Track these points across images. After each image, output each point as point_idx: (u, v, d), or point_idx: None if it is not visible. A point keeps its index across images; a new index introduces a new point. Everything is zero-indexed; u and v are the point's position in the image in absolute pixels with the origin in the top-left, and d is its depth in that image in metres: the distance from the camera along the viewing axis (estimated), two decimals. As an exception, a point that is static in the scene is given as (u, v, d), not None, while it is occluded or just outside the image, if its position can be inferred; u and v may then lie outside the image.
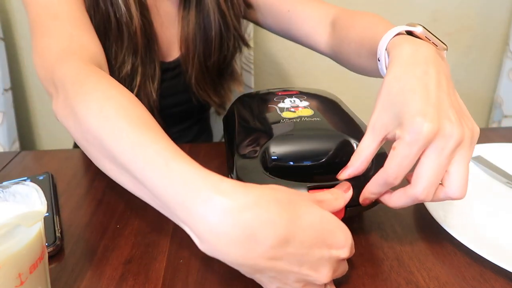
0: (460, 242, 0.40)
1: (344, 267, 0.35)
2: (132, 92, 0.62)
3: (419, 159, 0.34)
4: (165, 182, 0.31)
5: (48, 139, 1.23)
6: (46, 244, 0.39)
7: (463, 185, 0.35)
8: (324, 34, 0.60)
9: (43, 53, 0.47)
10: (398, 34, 0.41)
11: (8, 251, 0.27)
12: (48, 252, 0.39)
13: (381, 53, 0.41)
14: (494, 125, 1.30)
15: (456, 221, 0.42)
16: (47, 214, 0.44)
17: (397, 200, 0.37)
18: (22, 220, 0.27)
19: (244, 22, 0.75)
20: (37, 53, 0.48)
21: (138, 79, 0.63)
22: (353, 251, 0.34)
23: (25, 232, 0.29)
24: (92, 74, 0.41)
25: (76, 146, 0.84)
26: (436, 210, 0.44)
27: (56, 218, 0.44)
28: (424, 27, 0.40)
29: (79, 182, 0.54)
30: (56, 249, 0.40)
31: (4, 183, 0.33)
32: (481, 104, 1.35)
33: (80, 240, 0.43)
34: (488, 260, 0.37)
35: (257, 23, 0.73)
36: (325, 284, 0.33)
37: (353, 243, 0.33)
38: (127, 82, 0.62)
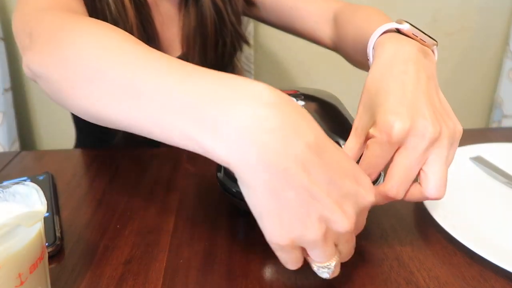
0: (460, 242, 0.40)
1: (364, 219, 0.32)
2: None
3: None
4: (192, 84, 0.28)
5: (48, 139, 1.23)
6: (46, 244, 0.39)
7: (439, 186, 0.35)
8: (327, 30, 0.61)
9: (24, 8, 0.44)
10: (386, 31, 0.41)
11: (8, 251, 0.27)
12: (48, 252, 0.39)
13: (369, 52, 0.42)
14: (494, 125, 1.30)
15: (456, 221, 0.42)
16: (47, 214, 0.44)
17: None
18: (22, 220, 0.27)
19: (244, 21, 0.75)
20: (18, 9, 0.45)
21: None
22: (372, 203, 0.30)
23: (25, 232, 0.29)
24: (81, 18, 0.38)
25: (76, 146, 0.83)
26: (436, 210, 0.44)
27: (56, 218, 0.44)
28: (411, 24, 0.40)
29: (79, 182, 0.54)
30: (56, 249, 0.40)
31: (4, 183, 0.33)
32: (481, 104, 1.34)
33: (80, 240, 0.43)
34: (488, 260, 0.37)
35: (260, 20, 0.73)
36: (344, 238, 0.30)
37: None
38: None
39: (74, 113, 0.37)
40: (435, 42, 0.41)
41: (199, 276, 0.37)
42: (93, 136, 0.78)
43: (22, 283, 0.28)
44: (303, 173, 0.26)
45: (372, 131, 0.35)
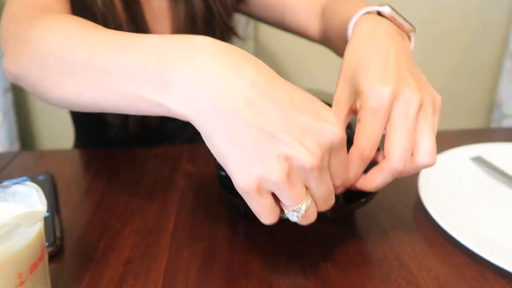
0: (460, 242, 0.40)
1: (342, 162, 0.30)
2: None
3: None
4: (145, 47, 0.30)
5: (48, 139, 1.23)
6: (46, 244, 0.39)
7: (431, 151, 0.34)
8: (316, 23, 0.62)
9: (4, 14, 0.45)
10: (367, 13, 0.42)
11: (8, 251, 0.27)
12: (48, 252, 0.39)
13: (349, 32, 0.43)
14: (494, 125, 1.30)
15: (456, 221, 0.42)
16: (47, 214, 0.44)
17: (374, 179, 0.36)
18: (22, 220, 0.27)
19: (244, 20, 0.75)
20: (2, 15, 0.46)
21: None
22: (343, 139, 0.29)
23: (25, 232, 0.29)
24: (47, 15, 0.39)
25: (75, 146, 0.84)
26: (436, 210, 0.44)
27: (56, 218, 0.44)
28: (392, 8, 0.41)
29: (79, 182, 0.54)
30: (56, 249, 0.40)
31: (4, 183, 0.33)
32: (481, 104, 1.34)
33: (80, 240, 0.43)
34: (488, 260, 0.37)
35: (250, 16, 0.73)
36: (314, 171, 0.28)
37: (345, 135, 0.30)
38: None
39: (61, 107, 0.39)
40: (413, 28, 0.41)
41: (199, 276, 0.37)
42: (91, 132, 0.79)
43: (22, 283, 0.28)
44: (253, 113, 0.27)
45: (359, 102, 0.35)
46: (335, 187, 0.32)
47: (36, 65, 0.37)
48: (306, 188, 0.30)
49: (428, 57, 1.27)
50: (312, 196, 0.30)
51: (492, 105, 1.33)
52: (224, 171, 0.44)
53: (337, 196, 0.34)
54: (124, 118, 0.68)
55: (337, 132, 0.28)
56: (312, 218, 0.31)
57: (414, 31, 0.42)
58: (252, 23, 1.08)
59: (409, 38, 0.43)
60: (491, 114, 1.33)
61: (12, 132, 1.09)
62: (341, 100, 0.38)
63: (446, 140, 0.62)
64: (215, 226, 0.44)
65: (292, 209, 0.30)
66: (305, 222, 0.31)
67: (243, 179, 0.28)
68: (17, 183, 0.33)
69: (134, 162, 0.59)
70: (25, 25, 0.39)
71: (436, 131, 0.36)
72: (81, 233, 0.44)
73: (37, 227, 0.30)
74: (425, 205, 0.45)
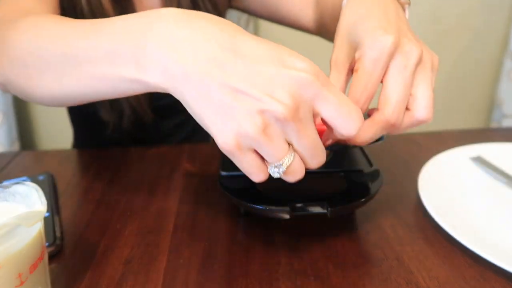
0: (460, 242, 0.40)
1: (332, 104, 0.28)
2: None
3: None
4: (114, 27, 0.31)
5: (48, 139, 1.23)
6: (46, 244, 0.39)
7: (429, 106, 0.34)
8: (311, 13, 0.62)
9: None
10: None
11: (8, 251, 0.27)
12: (48, 252, 0.39)
13: (344, 2, 0.42)
14: (494, 125, 1.30)
15: (456, 221, 0.42)
16: (47, 214, 0.44)
17: (364, 131, 0.34)
18: (22, 220, 0.27)
19: (244, 20, 0.75)
20: None
21: None
22: (314, 81, 0.28)
23: (25, 232, 0.29)
24: (24, 17, 0.40)
25: (74, 146, 0.84)
26: (436, 210, 0.44)
27: (56, 218, 0.44)
28: None
29: (79, 182, 0.54)
30: (56, 249, 0.40)
31: (4, 183, 0.33)
32: (481, 104, 1.35)
33: (80, 240, 0.43)
34: (488, 260, 0.37)
35: (244, 11, 0.73)
36: (289, 120, 0.27)
37: (324, 75, 0.28)
38: None
39: (50, 104, 0.40)
40: (407, 1, 0.41)
41: (199, 276, 0.37)
42: (88, 131, 0.79)
43: (22, 283, 0.28)
44: (221, 73, 0.27)
45: (358, 53, 0.34)
46: (327, 137, 0.32)
47: (18, 67, 0.37)
48: (290, 144, 0.29)
49: (428, 57, 1.27)
50: (296, 151, 0.30)
51: (492, 105, 1.33)
52: (224, 171, 0.44)
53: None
54: (119, 116, 0.68)
55: (305, 76, 0.27)
56: (297, 174, 0.30)
57: (409, 4, 0.41)
58: (252, 23, 1.08)
59: (404, 10, 0.41)
60: (491, 114, 1.33)
61: (12, 132, 1.09)
62: (339, 60, 0.37)
63: (446, 140, 0.62)
64: (215, 226, 0.44)
65: (274, 165, 0.29)
66: (289, 178, 0.30)
67: (223, 139, 0.28)
68: (17, 183, 0.33)
69: (134, 162, 0.59)
70: (3, 31, 0.39)
71: (433, 86, 0.35)
72: (81, 233, 0.44)
73: (37, 227, 0.30)
74: (425, 205, 0.45)
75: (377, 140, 0.39)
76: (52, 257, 0.40)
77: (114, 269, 0.38)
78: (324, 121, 0.30)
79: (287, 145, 0.29)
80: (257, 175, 0.30)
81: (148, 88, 0.30)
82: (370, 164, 0.45)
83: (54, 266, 0.39)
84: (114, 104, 0.67)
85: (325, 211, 0.38)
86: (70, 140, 0.85)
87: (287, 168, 0.29)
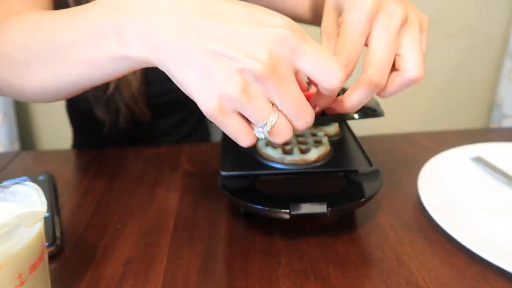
0: (460, 242, 0.40)
1: (313, 58, 0.28)
2: (109, 82, 0.62)
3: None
4: (95, 8, 0.32)
5: (48, 139, 1.23)
6: (46, 244, 0.39)
7: (419, 63, 0.33)
8: (306, 3, 0.61)
9: None
10: None
11: (8, 251, 0.27)
12: (48, 252, 0.39)
13: None
14: (494, 125, 1.30)
15: (456, 221, 0.42)
16: (47, 214, 0.44)
17: (349, 96, 0.34)
18: (22, 220, 0.27)
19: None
20: None
21: None
22: (289, 35, 0.27)
23: (25, 232, 0.29)
24: (9, 17, 0.41)
25: (73, 146, 0.84)
26: (436, 210, 0.44)
27: (56, 218, 0.44)
28: None
29: (79, 182, 0.54)
30: (56, 249, 0.40)
31: (4, 183, 0.33)
32: (481, 104, 1.35)
33: (80, 240, 0.43)
34: (488, 261, 0.37)
35: None
36: (268, 78, 0.27)
37: (302, 31, 0.28)
38: None
39: (43, 100, 0.40)
40: None
41: (199, 276, 0.37)
42: (86, 130, 0.79)
43: (22, 283, 0.28)
44: (199, 37, 0.28)
45: (340, 19, 0.34)
46: (319, 98, 0.32)
47: (6, 65, 0.38)
48: (274, 105, 0.29)
49: (428, 57, 1.27)
50: (280, 111, 0.30)
51: (492, 105, 1.33)
52: (224, 171, 0.44)
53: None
54: (115, 115, 0.68)
55: (280, 32, 0.27)
56: (283, 135, 0.30)
57: None
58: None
59: None
60: (491, 114, 1.33)
61: (12, 132, 1.09)
62: (328, 28, 0.37)
63: (446, 140, 0.62)
64: (215, 226, 0.44)
65: (258, 125, 0.29)
66: (276, 139, 0.30)
67: (205, 103, 0.28)
68: (17, 183, 0.33)
69: (134, 162, 0.59)
70: None
71: (424, 50, 0.34)
72: (81, 233, 0.44)
73: (37, 227, 0.30)
74: (425, 205, 0.45)
75: (374, 115, 0.39)
76: (52, 257, 0.40)
77: (114, 269, 0.38)
78: (309, 80, 0.30)
79: (269, 104, 0.29)
80: (244, 138, 0.30)
81: (134, 62, 0.31)
82: (370, 164, 0.45)
83: (54, 266, 0.39)
84: (110, 103, 0.66)
85: (325, 211, 0.38)
86: (70, 140, 0.85)
87: (271, 128, 0.29)
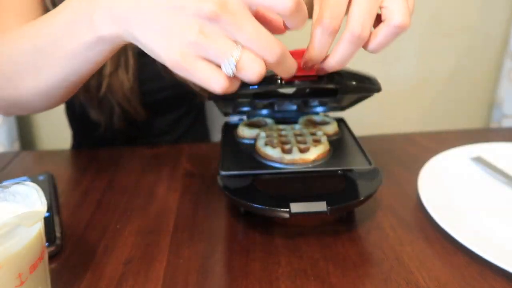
0: (460, 242, 0.40)
1: None
2: (103, 80, 0.62)
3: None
4: (68, 4, 0.36)
5: (48, 139, 1.23)
6: (46, 244, 0.39)
7: (403, 11, 0.33)
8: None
9: None
10: None
11: (8, 251, 0.27)
12: (48, 252, 0.39)
13: None
14: (494, 125, 1.30)
15: (456, 221, 0.42)
16: (47, 214, 0.44)
17: (335, 51, 0.34)
18: (22, 220, 0.27)
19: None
20: None
21: (108, 68, 0.62)
22: None
23: (25, 232, 0.29)
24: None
25: (72, 146, 0.84)
26: (436, 210, 0.44)
27: (56, 218, 0.44)
28: None
29: (79, 182, 0.54)
30: (56, 249, 0.40)
31: (4, 183, 0.33)
32: (481, 104, 1.35)
33: (80, 240, 0.43)
34: (488, 260, 0.37)
35: None
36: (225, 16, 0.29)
37: None
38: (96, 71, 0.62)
39: (41, 106, 0.44)
40: None
41: (199, 276, 0.37)
42: (83, 131, 0.80)
43: (22, 283, 0.28)
44: (149, 0, 0.30)
45: None
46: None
47: (2, 81, 0.41)
48: (237, 42, 0.30)
49: (428, 57, 1.27)
50: (245, 47, 0.30)
51: (492, 105, 1.33)
52: (224, 171, 0.44)
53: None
54: (109, 115, 0.68)
55: None
56: (253, 68, 0.30)
57: None
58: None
59: None
60: (491, 114, 1.33)
61: (12, 132, 1.09)
62: None
63: (446, 140, 0.62)
64: (215, 226, 0.44)
65: (224, 64, 0.30)
66: (247, 74, 0.30)
67: (169, 56, 0.30)
68: (17, 183, 0.33)
69: (134, 162, 0.59)
70: None
71: (411, 5, 0.34)
72: (81, 233, 0.44)
73: (37, 227, 0.30)
74: (425, 205, 0.45)
75: (372, 90, 0.40)
76: (52, 257, 0.40)
77: (114, 269, 0.38)
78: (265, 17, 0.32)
79: (230, 41, 0.30)
80: (215, 82, 0.31)
81: (109, 43, 0.34)
82: (369, 163, 0.45)
83: (54, 266, 0.39)
84: (103, 103, 0.66)
85: (325, 209, 0.38)
86: (69, 141, 0.85)
87: (237, 62, 0.30)
